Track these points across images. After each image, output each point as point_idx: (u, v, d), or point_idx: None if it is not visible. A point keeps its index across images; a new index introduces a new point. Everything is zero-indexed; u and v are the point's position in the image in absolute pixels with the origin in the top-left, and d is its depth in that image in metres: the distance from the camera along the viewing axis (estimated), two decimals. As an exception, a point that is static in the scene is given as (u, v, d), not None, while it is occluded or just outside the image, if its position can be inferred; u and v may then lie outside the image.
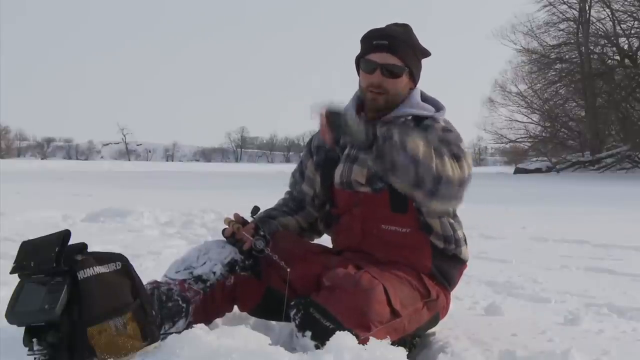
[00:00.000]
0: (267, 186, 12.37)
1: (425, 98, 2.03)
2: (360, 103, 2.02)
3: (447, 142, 1.81)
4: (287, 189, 2.23)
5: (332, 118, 1.62)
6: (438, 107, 2.01)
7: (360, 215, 1.94)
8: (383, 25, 2.00)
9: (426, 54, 2.01)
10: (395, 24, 1.98)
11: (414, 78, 1.99)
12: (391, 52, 1.91)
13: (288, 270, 1.80)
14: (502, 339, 2.00)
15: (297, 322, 1.63)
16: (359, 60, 1.98)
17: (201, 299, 1.83)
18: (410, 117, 1.95)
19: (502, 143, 31.30)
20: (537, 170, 25.83)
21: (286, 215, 2.09)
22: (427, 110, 1.97)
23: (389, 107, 1.94)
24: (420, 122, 1.94)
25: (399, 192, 1.85)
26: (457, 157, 1.76)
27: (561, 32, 28.25)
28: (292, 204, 2.15)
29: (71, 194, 9.80)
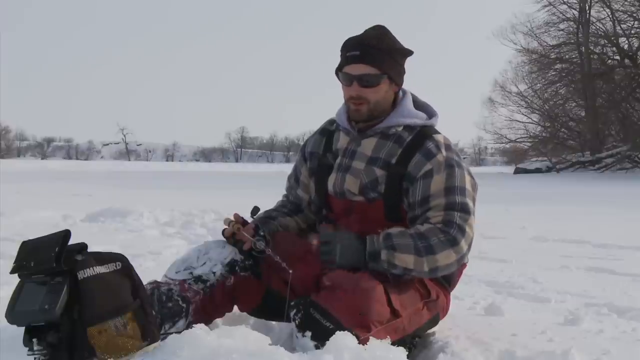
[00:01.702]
0: (267, 186, 12.36)
1: (417, 103, 1.99)
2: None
3: (452, 208, 1.80)
4: (284, 192, 2.23)
5: (324, 249, 1.76)
6: (430, 113, 1.97)
7: (357, 220, 1.93)
8: (363, 31, 1.92)
9: (406, 53, 1.94)
10: (372, 28, 1.92)
11: (396, 82, 1.93)
12: (364, 62, 1.85)
13: (290, 272, 1.80)
14: (502, 339, 2.00)
15: (297, 322, 1.62)
16: (337, 73, 1.94)
17: (201, 299, 1.83)
18: (401, 128, 1.92)
19: (502, 143, 31.28)
20: (537, 170, 25.80)
21: (286, 216, 2.09)
22: (420, 118, 1.94)
23: (373, 115, 1.91)
24: (415, 135, 1.90)
25: (393, 202, 1.86)
26: (453, 241, 1.76)
27: (561, 32, 28.22)
28: (290, 205, 2.15)
29: (71, 194, 9.81)
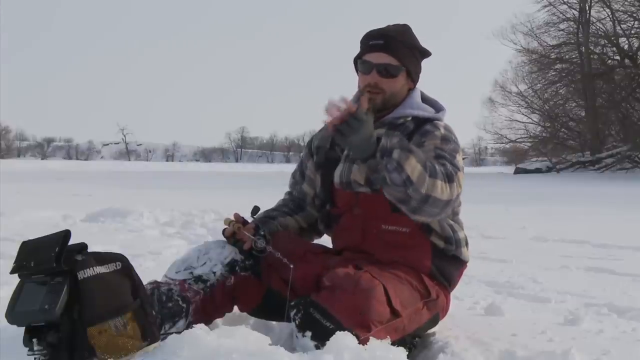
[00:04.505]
0: (267, 186, 12.37)
1: (425, 99, 2.02)
2: None
3: (443, 157, 1.79)
4: (287, 189, 2.23)
5: (350, 124, 1.65)
6: (438, 109, 2.00)
7: (361, 215, 1.93)
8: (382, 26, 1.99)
9: (426, 54, 2.00)
10: (394, 24, 1.98)
11: (412, 78, 1.98)
12: (387, 51, 1.90)
13: (291, 266, 1.79)
14: (502, 339, 2.00)
15: (297, 322, 1.62)
16: (356, 62, 1.98)
17: (201, 299, 1.83)
18: (410, 119, 1.95)
19: (502, 143, 31.34)
20: (537, 170, 25.82)
21: (286, 215, 2.09)
22: (427, 111, 1.97)
23: (386, 107, 1.94)
24: (420, 124, 1.93)
25: None
26: (450, 178, 1.73)
27: (561, 32, 28.25)
28: (292, 204, 2.14)
29: (71, 194, 9.81)
